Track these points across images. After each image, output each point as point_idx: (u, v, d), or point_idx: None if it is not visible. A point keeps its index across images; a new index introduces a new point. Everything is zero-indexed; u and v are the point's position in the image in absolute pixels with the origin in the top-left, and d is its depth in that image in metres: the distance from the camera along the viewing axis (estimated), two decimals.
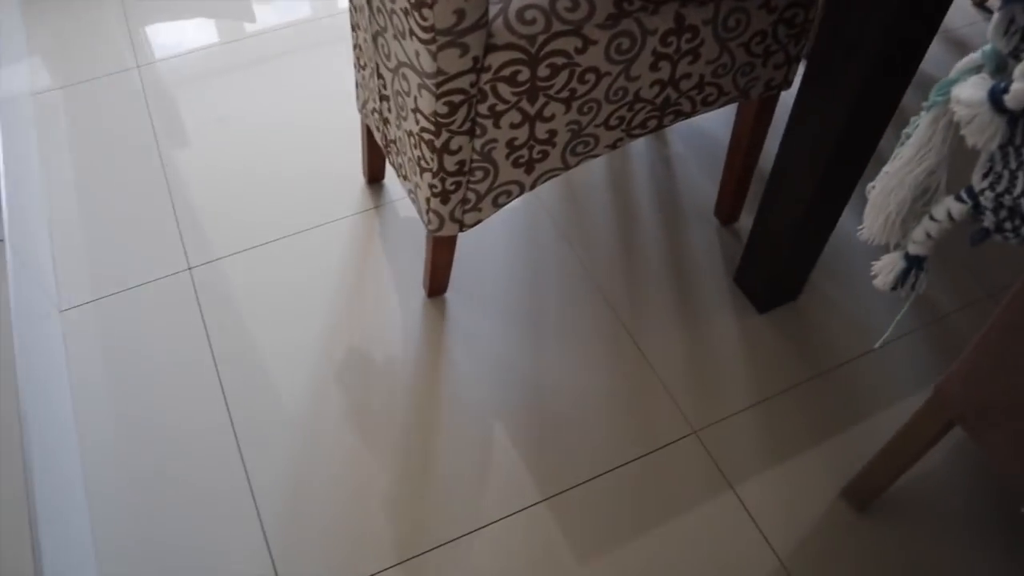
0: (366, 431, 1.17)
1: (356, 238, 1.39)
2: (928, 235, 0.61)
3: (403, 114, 1.09)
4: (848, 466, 1.15)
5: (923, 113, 0.58)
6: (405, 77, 1.02)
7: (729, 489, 1.13)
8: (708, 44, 1.05)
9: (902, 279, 0.65)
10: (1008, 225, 0.57)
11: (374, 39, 1.08)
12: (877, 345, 1.25)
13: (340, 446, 1.16)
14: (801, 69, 1.56)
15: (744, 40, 1.07)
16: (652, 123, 1.15)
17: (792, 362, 1.26)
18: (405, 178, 1.20)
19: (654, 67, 1.05)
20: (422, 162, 1.08)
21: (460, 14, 0.89)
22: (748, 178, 1.34)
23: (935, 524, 1.10)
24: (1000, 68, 0.53)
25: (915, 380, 1.25)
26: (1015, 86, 0.50)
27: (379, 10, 1.02)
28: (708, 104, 1.15)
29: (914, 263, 0.64)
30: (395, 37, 1.00)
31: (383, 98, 1.15)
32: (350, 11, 1.19)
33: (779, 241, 1.21)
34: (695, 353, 1.26)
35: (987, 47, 0.53)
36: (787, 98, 1.56)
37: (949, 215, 0.59)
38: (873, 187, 0.63)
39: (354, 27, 1.20)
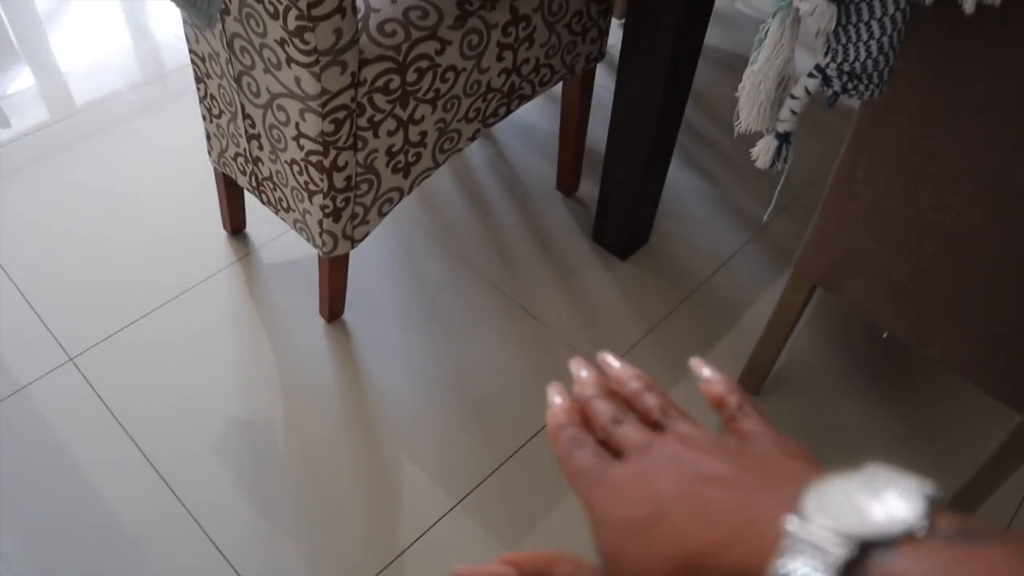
0: (313, 466, 1.21)
1: (236, 288, 1.42)
2: (792, 112, 0.78)
3: (281, 145, 1.15)
4: (740, 359, 1.34)
5: (770, 19, 0.75)
6: (282, 108, 1.09)
7: None
8: (539, 29, 1.21)
9: (776, 155, 0.82)
10: (850, 86, 0.75)
11: (237, 80, 1.14)
12: (765, 218, 1.48)
13: (291, 486, 1.19)
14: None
15: (567, 21, 1.24)
16: (502, 110, 1.28)
17: (664, 292, 1.44)
18: (287, 210, 1.25)
19: (500, 57, 1.19)
20: (310, 186, 1.14)
21: (339, 33, 0.97)
22: (582, 149, 1.52)
23: (818, 383, 1.31)
24: None
25: (771, 271, 1.47)
26: None
27: (243, 50, 1.08)
28: (544, 84, 1.31)
29: (783, 139, 0.81)
30: (266, 71, 1.07)
31: (251, 138, 1.20)
32: (193, 66, 1.23)
33: (627, 193, 1.38)
34: (581, 306, 1.41)
35: None
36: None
37: (806, 90, 0.76)
38: (743, 86, 0.79)
39: (201, 79, 1.24)
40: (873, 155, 0.97)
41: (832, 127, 1.79)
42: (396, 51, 1.06)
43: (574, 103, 1.43)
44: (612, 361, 0.42)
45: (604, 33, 1.33)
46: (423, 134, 1.18)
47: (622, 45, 1.22)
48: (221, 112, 1.24)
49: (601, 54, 1.36)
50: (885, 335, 1.09)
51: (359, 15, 1.07)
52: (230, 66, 1.13)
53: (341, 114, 1.05)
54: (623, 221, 1.43)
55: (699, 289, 1.45)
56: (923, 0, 0.71)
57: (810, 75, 0.76)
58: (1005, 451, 1.11)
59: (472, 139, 1.28)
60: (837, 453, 1.24)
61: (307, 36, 0.96)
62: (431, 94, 1.14)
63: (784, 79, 0.76)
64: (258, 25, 1.02)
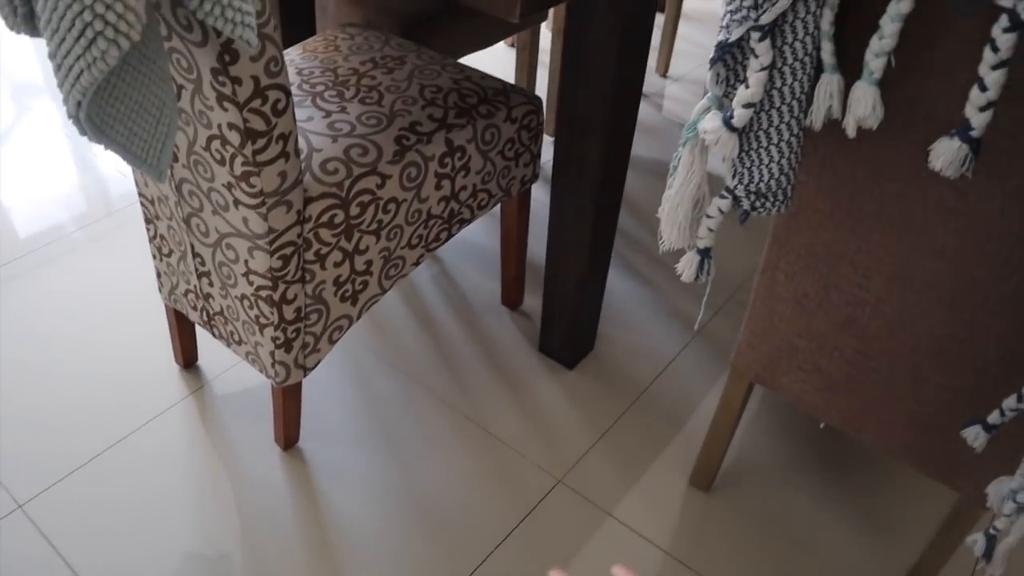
0: None
1: (190, 422, 1.42)
2: (709, 229, 0.85)
3: (231, 282, 1.19)
4: (689, 458, 1.37)
5: (681, 148, 0.82)
6: (231, 246, 1.13)
7: (608, 516, 1.30)
8: (474, 158, 1.28)
9: (699, 269, 0.88)
10: (758, 204, 0.82)
11: (186, 221, 1.18)
12: (696, 328, 1.53)
13: None
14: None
15: (500, 148, 1.32)
16: (443, 235, 1.34)
17: (612, 398, 1.48)
18: (239, 343, 1.28)
19: (438, 186, 1.25)
20: (261, 319, 1.18)
21: (283, 176, 1.03)
22: (523, 264, 1.58)
23: (768, 477, 1.35)
24: (720, 105, 0.78)
25: (713, 368, 1.52)
26: (736, 112, 0.76)
27: (192, 193, 1.13)
28: (482, 208, 1.38)
29: (704, 254, 0.88)
30: (215, 213, 1.11)
31: (202, 275, 1.24)
32: (143, 207, 1.28)
33: (569, 303, 1.44)
34: (532, 417, 1.44)
35: (709, 95, 0.78)
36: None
37: (719, 210, 0.83)
38: (663, 208, 0.86)
39: (151, 220, 1.28)
40: (790, 259, 1.04)
41: (760, 224, 1.90)
42: (339, 187, 1.12)
43: (513, 223, 1.50)
44: None
45: (536, 156, 1.42)
46: (369, 263, 1.23)
47: (553, 165, 1.30)
48: (171, 251, 1.28)
49: (535, 176, 1.45)
50: (822, 425, 1.14)
51: (302, 155, 1.14)
52: (179, 208, 1.18)
53: (288, 250, 1.10)
54: (568, 331, 1.49)
55: (645, 392, 1.50)
56: (813, 125, 0.79)
57: (721, 196, 0.83)
58: (947, 528, 1.16)
59: (416, 264, 1.33)
60: (790, 546, 1.28)
61: (253, 180, 1.01)
62: (374, 225, 1.19)
63: (698, 201, 0.84)
64: (206, 171, 1.07)
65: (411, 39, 1.66)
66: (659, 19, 2.77)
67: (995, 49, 0.67)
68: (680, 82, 2.51)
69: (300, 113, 1.22)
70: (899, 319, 1.00)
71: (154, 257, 1.34)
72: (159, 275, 1.36)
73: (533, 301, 1.67)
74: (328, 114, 1.22)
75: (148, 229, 1.30)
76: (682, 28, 2.88)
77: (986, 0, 0.66)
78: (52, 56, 0.73)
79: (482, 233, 1.85)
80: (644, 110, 2.34)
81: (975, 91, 0.70)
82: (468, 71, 1.36)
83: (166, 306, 1.41)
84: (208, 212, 1.13)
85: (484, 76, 1.36)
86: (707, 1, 3.12)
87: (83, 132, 0.78)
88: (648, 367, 1.54)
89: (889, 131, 0.85)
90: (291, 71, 1.32)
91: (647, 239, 1.86)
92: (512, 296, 1.63)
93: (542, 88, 2.42)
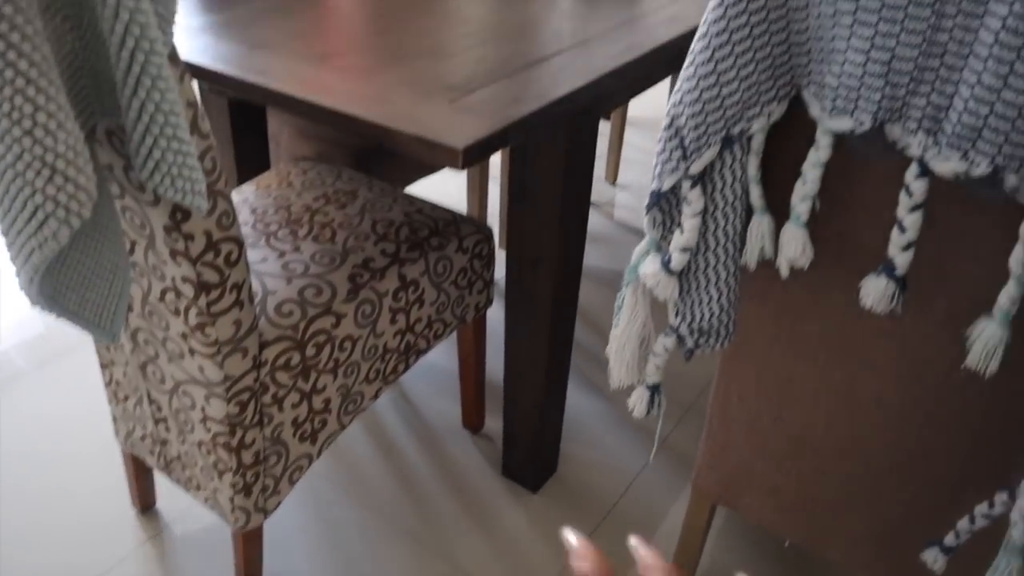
0: None
1: (149, 571, 1.38)
2: (656, 366, 0.87)
3: (188, 428, 1.17)
4: None
5: (624, 289, 0.85)
6: (187, 393, 1.13)
7: None
8: (428, 290, 1.30)
9: (650, 403, 0.90)
10: (702, 341, 0.85)
11: (142, 368, 1.18)
12: (651, 458, 1.53)
13: None
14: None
15: (453, 279, 1.34)
16: (401, 367, 1.35)
17: (578, 520, 1.47)
18: (197, 488, 1.25)
19: (393, 320, 1.27)
20: (219, 465, 1.16)
21: (238, 324, 1.04)
22: (482, 387, 1.59)
23: None
24: (659, 248, 0.82)
25: (677, 482, 1.52)
26: (674, 256, 0.79)
27: (147, 342, 1.13)
28: (438, 337, 1.39)
29: (654, 390, 0.90)
30: (170, 361, 1.11)
31: (158, 421, 1.23)
32: (98, 353, 1.27)
33: (530, 425, 1.44)
34: (497, 545, 1.42)
35: (647, 238, 0.82)
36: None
37: (664, 348, 0.86)
38: (610, 347, 0.88)
39: (106, 365, 1.27)
40: (741, 384, 1.07)
41: None
42: (294, 330, 1.13)
43: (470, 348, 1.51)
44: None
45: (489, 283, 1.44)
46: (327, 401, 1.23)
47: (506, 295, 1.32)
48: (127, 396, 1.27)
49: (489, 301, 1.47)
50: (787, 543, 1.14)
51: (257, 299, 1.15)
52: (134, 355, 1.17)
53: (245, 395, 1.10)
54: (530, 453, 1.48)
55: (611, 512, 1.49)
56: (748, 265, 0.82)
57: (666, 334, 0.85)
58: None
59: (375, 397, 1.33)
60: None
61: (208, 330, 1.02)
62: (331, 364, 1.20)
63: (644, 339, 0.86)
64: (160, 321, 1.07)
65: (363, 170, 1.70)
66: (605, 127, 2.87)
67: (909, 194, 0.71)
68: (629, 189, 2.59)
69: (254, 254, 1.24)
70: (851, 438, 1.02)
71: (110, 402, 1.32)
72: (115, 420, 1.34)
73: (495, 422, 1.67)
74: (282, 254, 1.24)
75: (104, 374, 1.30)
76: (629, 135, 2.99)
77: (894, 151, 0.71)
78: (5, 233, 0.74)
79: (440, 354, 1.86)
80: (595, 219, 2.41)
81: (896, 232, 0.74)
82: (419, 203, 1.40)
83: (123, 451, 1.39)
84: (164, 360, 1.12)
85: (434, 207, 1.39)
86: (652, 108, 3.25)
87: (35, 303, 0.78)
88: (612, 485, 1.54)
89: (824, 262, 0.89)
90: (245, 210, 1.35)
91: (603, 351, 1.88)
92: (473, 419, 1.63)
93: (495, 200, 2.48)
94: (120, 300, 0.86)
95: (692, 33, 1.25)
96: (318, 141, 1.69)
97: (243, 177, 1.63)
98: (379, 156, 1.73)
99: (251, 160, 1.62)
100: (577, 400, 1.74)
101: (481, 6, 1.36)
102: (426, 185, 2.59)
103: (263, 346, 1.10)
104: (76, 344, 1.88)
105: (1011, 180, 0.66)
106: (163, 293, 1.03)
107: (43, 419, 1.67)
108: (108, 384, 1.30)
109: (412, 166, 1.82)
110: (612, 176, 2.60)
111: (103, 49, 0.74)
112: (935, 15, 0.62)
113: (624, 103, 2.42)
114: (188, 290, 0.99)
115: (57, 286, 0.80)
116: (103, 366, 1.28)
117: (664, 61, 1.24)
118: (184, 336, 1.05)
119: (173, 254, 0.97)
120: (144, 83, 0.72)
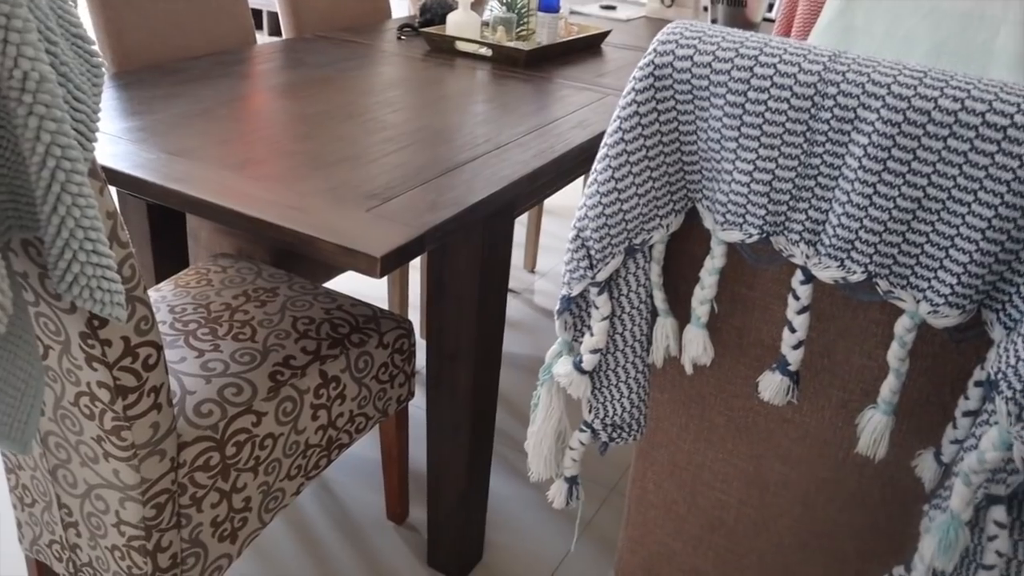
0: None
1: None
2: (573, 460, 0.90)
3: (100, 532, 1.15)
4: None
5: (540, 388, 0.89)
6: (100, 497, 1.10)
7: None
8: (349, 386, 1.32)
9: (568, 495, 0.93)
10: (615, 435, 0.89)
11: (52, 472, 1.15)
12: (572, 546, 1.54)
13: None
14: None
15: (374, 373, 1.36)
16: (323, 462, 1.35)
17: None
18: None
19: (314, 416, 1.27)
20: (134, 570, 1.14)
21: (156, 427, 1.03)
22: (406, 478, 1.59)
23: None
24: (571, 349, 0.86)
25: (602, 564, 1.54)
26: (585, 357, 0.83)
27: (59, 446, 1.10)
28: (360, 431, 1.40)
29: (572, 481, 0.93)
30: (83, 464, 1.09)
31: (68, 526, 1.19)
32: (4, 458, 1.23)
33: (454, 515, 1.45)
34: None
35: (559, 340, 0.86)
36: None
37: (580, 443, 0.89)
38: (528, 443, 0.91)
39: (12, 470, 1.23)
40: (656, 470, 1.11)
41: None
42: (214, 429, 1.12)
43: (392, 440, 1.52)
44: None
45: (410, 376, 1.46)
46: (247, 500, 1.22)
47: (427, 388, 1.35)
48: (34, 501, 1.23)
49: (411, 394, 1.49)
50: None
51: (175, 399, 1.14)
52: (44, 460, 1.15)
53: (163, 498, 1.08)
54: (455, 543, 1.48)
55: None
56: (655, 363, 0.87)
57: (581, 429, 0.89)
58: None
59: (297, 493, 1.32)
60: None
61: (124, 434, 1.01)
62: (251, 462, 1.19)
63: (560, 434, 0.89)
64: (74, 424, 1.06)
65: (283, 265, 1.72)
66: (524, 217, 2.95)
67: (796, 298, 0.78)
68: (547, 276, 2.65)
69: (173, 354, 1.23)
70: (761, 518, 1.06)
71: (15, 507, 1.28)
72: (20, 525, 1.29)
73: (419, 512, 1.66)
74: (201, 353, 1.24)
75: (9, 479, 1.26)
76: (546, 224, 3.07)
77: (781, 259, 0.77)
78: None
79: (363, 445, 1.85)
80: (515, 306, 2.46)
81: (787, 332, 0.80)
82: (339, 299, 1.42)
83: (27, 558, 1.34)
84: (76, 464, 1.10)
85: (355, 303, 1.41)
86: (568, 196, 3.36)
87: None
88: (538, 571, 1.55)
89: (726, 356, 0.94)
90: (163, 309, 1.34)
91: (525, 438, 1.90)
92: (397, 509, 1.62)
93: (415, 289, 2.51)
94: (32, 411, 0.86)
95: (599, 138, 1.32)
96: (238, 237, 1.70)
97: (161, 274, 1.62)
98: (299, 252, 1.74)
99: (170, 257, 1.62)
100: (501, 487, 1.76)
101: (401, 112, 1.42)
102: (347, 277, 2.61)
103: (181, 447, 1.09)
104: None
105: (884, 284, 0.72)
106: (77, 397, 1.02)
107: None
108: (14, 489, 1.26)
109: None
110: (531, 264, 2.67)
111: (22, 167, 0.76)
112: (807, 142, 0.69)
113: (539, 203, 2.51)
114: (104, 395, 0.99)
115: None
116: (9, 471, 1.25)
117: (575, 163, 1.31)
118: (99, 440, 1.04)
119: (89, 360, 0.97)
120: (64, 200, 0.73)
